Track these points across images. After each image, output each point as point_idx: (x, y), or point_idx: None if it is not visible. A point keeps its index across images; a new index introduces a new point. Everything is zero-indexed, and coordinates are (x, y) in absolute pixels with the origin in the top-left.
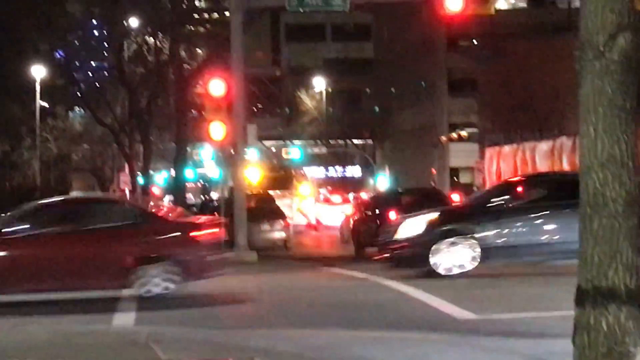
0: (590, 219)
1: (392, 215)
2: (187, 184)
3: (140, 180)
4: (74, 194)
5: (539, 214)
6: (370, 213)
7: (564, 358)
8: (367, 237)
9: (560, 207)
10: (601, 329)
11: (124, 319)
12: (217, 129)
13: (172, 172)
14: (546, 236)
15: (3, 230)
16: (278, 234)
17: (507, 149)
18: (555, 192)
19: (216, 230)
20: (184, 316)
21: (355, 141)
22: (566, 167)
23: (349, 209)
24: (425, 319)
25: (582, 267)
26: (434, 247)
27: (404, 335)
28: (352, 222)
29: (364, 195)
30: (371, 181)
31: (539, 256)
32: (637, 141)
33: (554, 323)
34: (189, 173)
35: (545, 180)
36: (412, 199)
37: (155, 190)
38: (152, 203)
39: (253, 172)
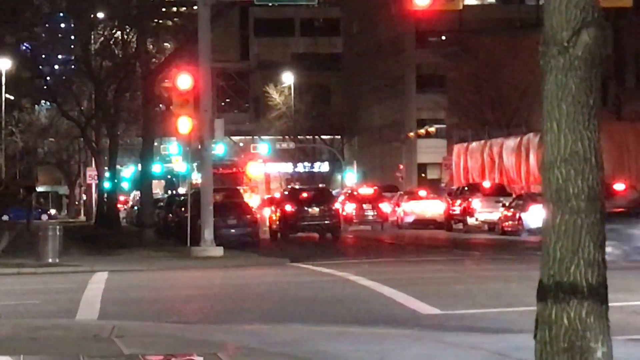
0: (553, 214)
1: (288, 207)
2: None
3: (107, 174)
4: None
5: None
6: (274, 208)
7: (525, 353)
8: (276, 225)
9: None
10: (562, 324)
11: (87, 314)
12: (184, 124)
13: (139, 167)
14: None
15: None
16: (245, 229)
17: (474, 145)
18: None
19: None
20: (148, 311)
21: (324, 137)
22: (533, 163)
23: None
24: (390, 314)
25: (544, 263)
26: None
27: (369, 330)
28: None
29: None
30: (339, 177)
31: None
32: (600, 137)
33: (517, 318)
34: (156, 168)
35: None
36: (307, 195)
37: (124, 187)
38: None
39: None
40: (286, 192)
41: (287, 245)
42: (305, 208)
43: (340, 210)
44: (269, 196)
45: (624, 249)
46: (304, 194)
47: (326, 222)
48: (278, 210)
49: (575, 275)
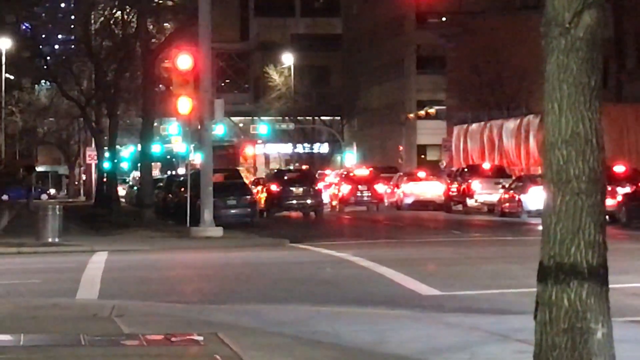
0: (554, 195)
1: (274, 187)
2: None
3: (106, 154)
4: None
5: None
6: (262, 187)
7: (525, 334)
8: (266, 203)
9: None
10: (563, 305)
11: (87, 293)
12: (184, 104)
13: (139, 147)
14: None
15: None
16: (244, 210)
17: (474, 126)
18: None
19: None
20: (148, 291)
21: (323, 118)
22: (532, 144)
23: None
24: (389, 295)
25: (544, 244)
26: None
27: (368, 310)
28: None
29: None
30: (338, 158)
31: None
32: (601, 118)
33: (517, 299)
34: (155, 148)
35: None
36: (291, 176)
37: (123, 167)
38: None
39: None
40: (273, 173)
41: (276, 223)
42: (290, 188)
43: (322, 191)
44: (256, 177)
45: None
46: (289, 175)
47: (309, 201)
48: (264, 190)
49: (576, 257)
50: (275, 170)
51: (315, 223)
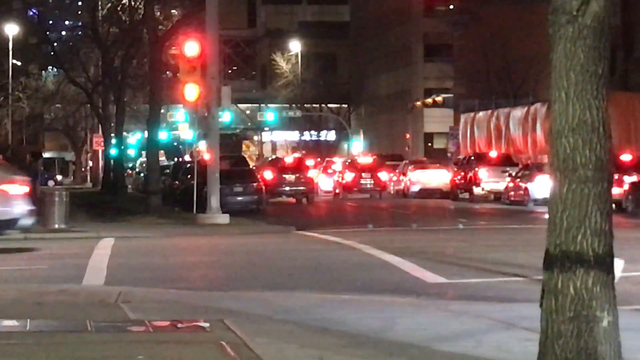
0: (560, 183)
1: (269, 175)
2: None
3: (113, 141)
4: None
5: None
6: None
7: (531, 322)
8: None
9: None
10: (568, 293)
11: (94, 279)
12: (191, 91)
13: (146, 134)
14: None
15: None
16: (251, 197)
17: (481, 115)
18: None
19: None
20: (154, 277)
21: (330, 105)
22: (539, 133)
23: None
24: (395, 283)
25: (551, 232)
26: None
27: (375, 298)
28: None
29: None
30: (345, 146)
31: None
32: (608, 107)
33: (523, 287)
34: (162, 135)
35: None
36: (285, 164)
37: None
38: None
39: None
40: (268, 161)
41: (281, 211)
42: (283, 175)
43: (313, 179)
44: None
45: None
46: (283, 163)
47: (301, 188)
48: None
49: (582, 245)
50: (270, 159)
51: (320, 210)
